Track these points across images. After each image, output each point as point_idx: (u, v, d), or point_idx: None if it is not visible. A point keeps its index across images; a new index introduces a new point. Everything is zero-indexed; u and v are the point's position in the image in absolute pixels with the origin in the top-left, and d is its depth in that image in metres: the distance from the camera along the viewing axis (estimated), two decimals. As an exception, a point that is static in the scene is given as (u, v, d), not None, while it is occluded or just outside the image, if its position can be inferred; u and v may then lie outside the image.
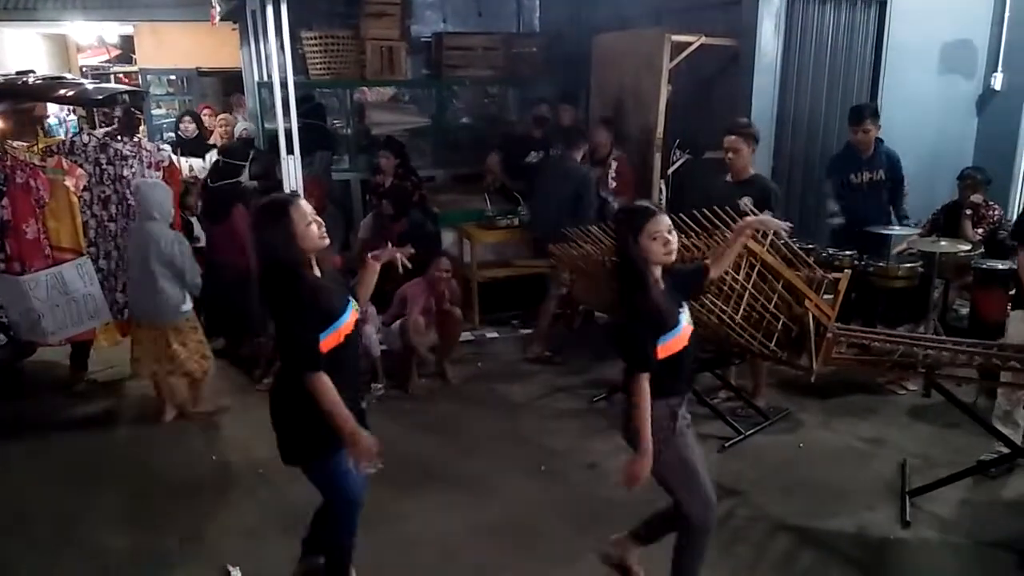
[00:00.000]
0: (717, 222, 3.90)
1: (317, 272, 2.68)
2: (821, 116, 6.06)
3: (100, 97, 5.16)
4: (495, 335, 6.14)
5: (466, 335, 6.03)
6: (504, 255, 6.54)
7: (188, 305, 4.49)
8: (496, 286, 6.36)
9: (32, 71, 5.15)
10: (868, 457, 4.20)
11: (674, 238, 2.63)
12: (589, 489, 3.88)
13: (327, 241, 2.71)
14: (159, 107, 10.83)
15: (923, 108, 6.25)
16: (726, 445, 4.28)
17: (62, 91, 4.80)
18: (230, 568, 3.22)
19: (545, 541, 3.41)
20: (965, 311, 5.51)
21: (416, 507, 3.71)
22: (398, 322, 5.11)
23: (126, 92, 5.52)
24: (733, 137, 4.59)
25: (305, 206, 2.67)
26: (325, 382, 2.53)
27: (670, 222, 2.65)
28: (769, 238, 4.00)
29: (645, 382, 2.57)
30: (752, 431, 4.42)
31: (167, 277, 4.31)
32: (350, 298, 2.76)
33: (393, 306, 5.20)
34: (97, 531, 3.57)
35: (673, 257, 2.64)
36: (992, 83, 6.41)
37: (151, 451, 4.35)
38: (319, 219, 2.71)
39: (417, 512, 3.68)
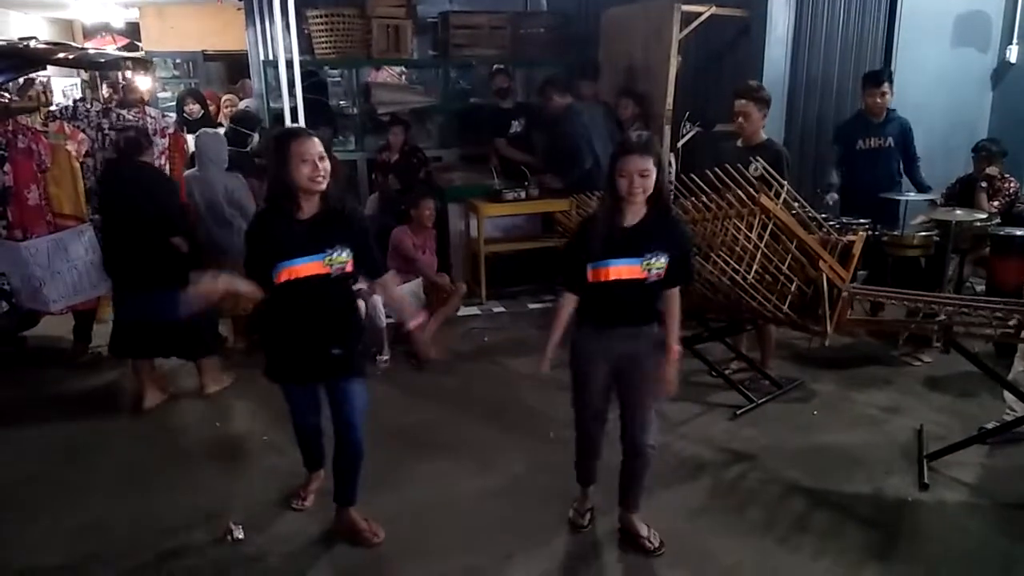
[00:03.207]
0: (728, 181, 3.84)
1: (308, 212, 2.75)
2: (833, 88, 5.96)
3: (102, 61, 5.11)
4: (502, 309, 6.07)
5: (473, 309, 5.98)
6: (511, 229, 6.46)
7: None
8: (503, 260, 6.29)
9: (35, 37, 5.10)
10: (884, 424, 4.10)
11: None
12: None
13: (321, 186, 2.73)
14: (165, 90, 10.80)
15: (937, 80, 6.15)
16: (738, 413, 4.20)
17: (63, 54, 4.74)
18: (232, 526, 3.17)
19: (553, 505, 3.34)
20: (981, 288, 5.40)
21: (425, 472, 3.64)
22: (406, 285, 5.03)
23: (129, 58, 5.45)
24: (743, 101, 4.49)
25: (310, 145, 2.66)
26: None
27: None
28: (782, 197, 3.93)
29: (566, 298, 2.86)
30: (765, 399, 4.34)
31: (235, 216, 4.77)
32: (329, 248, 2.75)
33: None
34: (100, 498, 3.50)
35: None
36: (1008, 55, 6.32)
37: (154, 420, 4.30)
38: (321, 164, 2.69)
39: (425, 477, 3.61)
